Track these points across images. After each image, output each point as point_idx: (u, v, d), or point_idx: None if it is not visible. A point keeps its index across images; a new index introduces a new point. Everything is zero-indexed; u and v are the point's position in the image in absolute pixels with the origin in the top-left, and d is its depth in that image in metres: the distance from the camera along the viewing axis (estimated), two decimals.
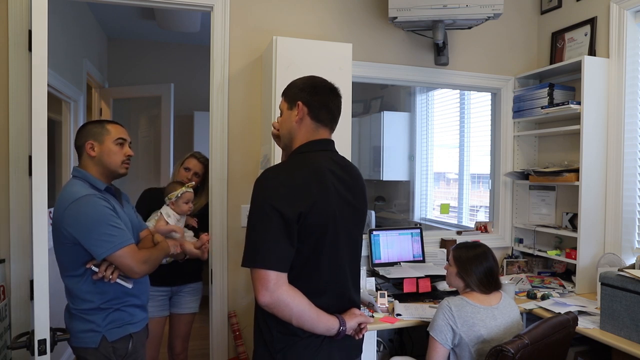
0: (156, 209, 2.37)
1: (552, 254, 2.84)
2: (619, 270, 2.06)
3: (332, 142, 1.50)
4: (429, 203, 4.34)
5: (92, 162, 1.73)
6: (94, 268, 1.62)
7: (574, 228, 2.75)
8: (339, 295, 1.43)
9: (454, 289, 2.10)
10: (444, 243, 2.98)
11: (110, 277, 1.63)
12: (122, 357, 1.68)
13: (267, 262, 1.27)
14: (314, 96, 1.44)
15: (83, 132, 1.75)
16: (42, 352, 1.45)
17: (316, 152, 1.43)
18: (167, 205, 2.34)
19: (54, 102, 3.48)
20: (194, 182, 2.45)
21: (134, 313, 1.74)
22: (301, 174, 1.34)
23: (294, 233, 1.29)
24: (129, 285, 1.70)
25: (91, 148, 1.72)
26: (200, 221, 2.57)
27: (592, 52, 2.74)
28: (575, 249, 2.65)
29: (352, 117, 2.39)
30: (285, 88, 1.51)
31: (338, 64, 2.34)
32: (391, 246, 2.79)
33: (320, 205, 1.32)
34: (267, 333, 1.37)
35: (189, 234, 2.43)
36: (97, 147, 1.73)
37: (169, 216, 2.29)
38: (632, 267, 2.21)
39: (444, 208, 3.57)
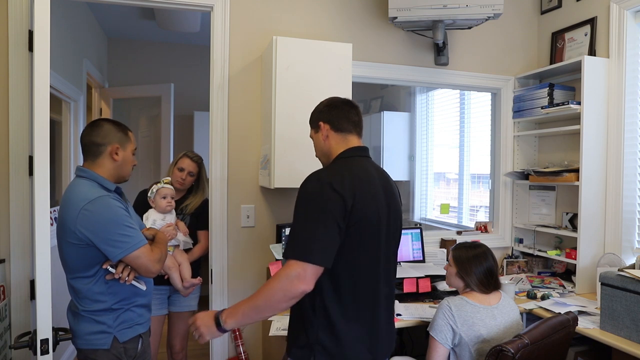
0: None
1: (552, 254, 2.84)
2: (619, 270, 2.06)
3: (367, 148, 1.62)
4: (429, 203, 4.34)
5: (112, 165, 1.71)
6: (110, 269, 1.61)
7: (574, 228, 2.76)
8: (371, 291, 1.50)
9: (454, 289, 2.10)
10: (444, 243, 2.99)
11: (127, 278, 1.63)
12: (133, 357, 1.67)
13: (319, 259, 1.34)
14: (331, 112, 1.59)
15: (107, 133, 1.71)
16: (44, 352, 1.45)
17: (358, 157, 1.56)
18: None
19: (54, 102, 3.48)
20: (169, 178, 2.47)
21: (142, 313, 1.74)
22: (349, 173, 1.44)
23: (343, 226, 1.38)
24: (143, 288, 1.70)
25: (116, 153, 1.71)
26: (196, 220, 2.59)
27: (592, 52, 2.74)
28: (575, 249, 2.65)
29: None
30: (309, 118, 1.67)
31: (338, 64, 2.34)
32: None
33: (368, 204, 1.43)
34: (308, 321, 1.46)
35: (181, 235, 2.43)
36: (121, 153, 1.73)
37: (147, 219, 2.29)
38: (632, 267, 2.21)
39: (444, 208, 3.58)
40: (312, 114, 1.66)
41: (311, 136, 1.67)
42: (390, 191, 1.58)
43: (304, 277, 1.33)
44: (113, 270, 1.61)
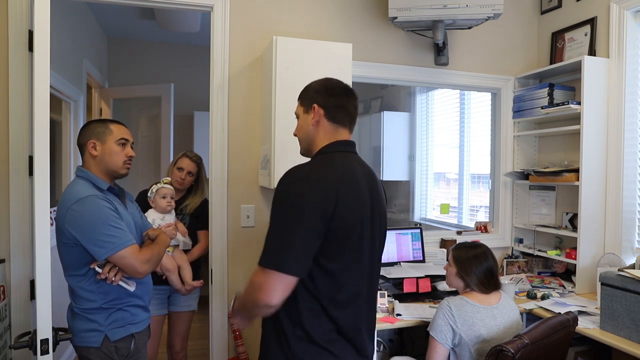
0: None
1: (552, 254, 2.84)
2: (619, 270, 2.06)
3: (354, 143, 1.47)
4: (429, 203, 4.34)
5: (93, 161, 1.73)
6: (97, 269, 1.62)
7: (574, 228, 2.76)
8: (355, 294, 1.36)
9: (454, 289, 2.10)
10: (444, 243, 2.99)
11: (113, 278, 1.63)
12: (125, 357, 1.68)
13: (292, 268, 1.22)
14: (329, 98, 1.43)
15: (86, 131, 1.75)
16: (44, 352, 1.45)
17: (343, 152, 1.41)
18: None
19: (54, 102, 3.48)
20: (169, 178, 2.47)
21: (136, 313, 1.74)
22: (333, 172, 1.31)
23: (323, 231, 1.24)
24: (131, 289, 1.70)
25: (93, 147, 1.72)
26: (196, 220, 2.59)
27: (592, 52, 2.74)
28: (575, 249, 2.65)
29: None
30: (301, 92, 1.50)
31: (338, 64, 2.34)
32: (391, 246, 2.79)
33: (351, 207, 1.30)
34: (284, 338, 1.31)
35: (180, 235, 2.42)
36: (99, 146, 1.72)
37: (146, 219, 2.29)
38: (632, 267, 2.21)
39: (444, 208, 3.58)
40: (306, 91, 1.48)
41: (297, 113, 1.49)
42: (375, 191, 1.43)
43: (266, 288, 1.21)
44: (100, 270, 1.62)
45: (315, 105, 1.42)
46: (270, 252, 1.24)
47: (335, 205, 1.25)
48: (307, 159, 1.47)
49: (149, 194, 2.38)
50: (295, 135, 1.51)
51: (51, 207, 1.61)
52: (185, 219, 2.57)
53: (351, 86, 2.36)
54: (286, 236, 1.22)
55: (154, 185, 2.39)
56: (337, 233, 1.27)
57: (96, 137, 1.73)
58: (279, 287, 1.22)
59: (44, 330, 1.45)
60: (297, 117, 1.49)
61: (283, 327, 1.30)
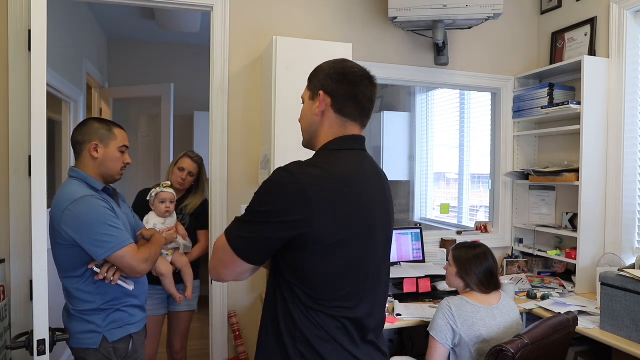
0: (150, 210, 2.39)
1: (552, 254, 2.84)
2: (619, 270, 2.06)
3: (364, 139, 1.29)
4: (429, 203, 4.34)
5: (92, 163, 1.71)
6: (95, 269, 1.61)
7: (574, 228, 2.75)
8: (365, 320, 1.19)
9: (454, 289, 2.10)
10: (444, 243, 2.98)
11: (112, 278, 1.62)
12: (123, 357, 1.68)
13: (247, 254, 1.14)
14: (340, 85, 1.21)
15: (88, 130, 1.71)
16: (41, 353, 1.45)
17: (349, 150, 1.23)
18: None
19: (54, 102, 3.48)
20: (169, 182, 2.45)
21: (133, 313, 1.73)
22: (330, 180, 1.13)
23: (285, 238, 1.11)
24: (130, 288, 1.69)
25: (95, 149, 1.70)
26: (196, 220, 2.58)
27: (592, 52, 2.74)
28: (575, 249, 2.65)
29: None
30: (312, 72, 1.31)
31: None
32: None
33: (354, 220, 1.15)
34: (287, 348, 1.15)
35: (180, 238, 2.42)
36: (102, 149, 1.70)
37: (147, 222, 2.27)
38: (632, 267, 2.21)
39: (444, 208, 3.57)
40: (316, 72, 1.28)
41: (303, 97, 1.31)
42: (386, 197, 1.27)
43: (224, 266, 1.16)
44: (98, 271, 1.61)
45: (322, 93, 1.22)
46: (236, 231, 1.16)
47: (332, 218, 1.11)
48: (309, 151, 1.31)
49: (148, 198, 2.36)
50: (299, 121, 1.33)
51: (49, 207, 1.60)
52: (185, 219, 2.57)
53: None
54: (254, 230, 1.13)
55: (154, 189, 2.38)
56: (342, 250, 1.13)
57: (99, 139, 1.70)
58: (236, 270, 1.16)
59: (41, 331, 1.45)
60: (303, 102, 1.31)
61: (288, 344, 1.15)
